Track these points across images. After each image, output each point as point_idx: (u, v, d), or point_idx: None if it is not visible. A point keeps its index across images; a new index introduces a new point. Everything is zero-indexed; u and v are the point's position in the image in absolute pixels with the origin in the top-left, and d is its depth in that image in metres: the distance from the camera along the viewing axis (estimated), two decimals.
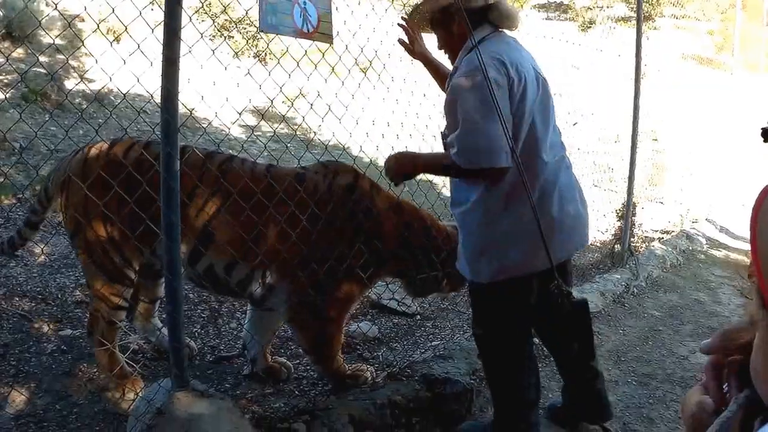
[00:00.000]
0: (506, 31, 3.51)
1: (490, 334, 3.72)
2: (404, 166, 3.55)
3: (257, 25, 3.32)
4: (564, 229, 3.49)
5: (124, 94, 3.38)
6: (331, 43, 3.59)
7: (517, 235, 3.37)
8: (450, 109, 3.33)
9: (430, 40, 3.80)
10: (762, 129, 1.45)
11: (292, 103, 3.63)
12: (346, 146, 5.23)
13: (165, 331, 3.94)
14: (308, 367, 4.52)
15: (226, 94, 4.15)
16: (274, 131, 6.54)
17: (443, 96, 3.56)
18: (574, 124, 7.35)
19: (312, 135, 8.56)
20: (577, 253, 7.50)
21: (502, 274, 3.45)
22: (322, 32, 3.51)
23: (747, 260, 8.79)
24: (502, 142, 3.12)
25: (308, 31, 3.45)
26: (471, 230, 3.54)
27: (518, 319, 3.65)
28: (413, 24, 3.73)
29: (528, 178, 3.19)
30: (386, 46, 4.10)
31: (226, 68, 3.91)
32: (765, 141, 1.31)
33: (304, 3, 3.42)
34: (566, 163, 3.65)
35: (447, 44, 3.55)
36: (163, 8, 2.84)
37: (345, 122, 4.17)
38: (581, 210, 3.65)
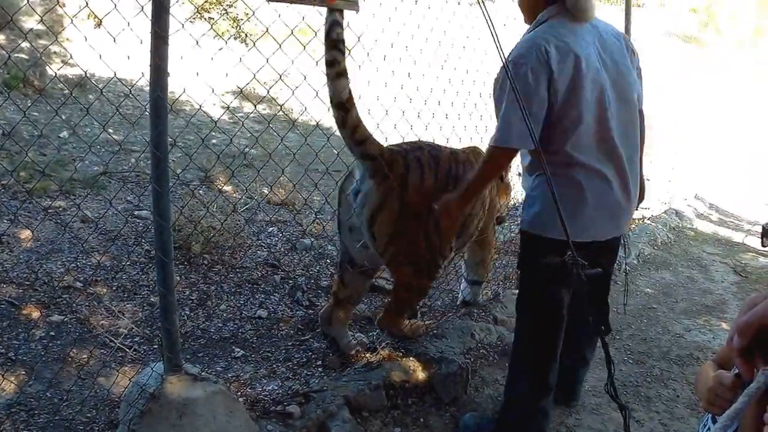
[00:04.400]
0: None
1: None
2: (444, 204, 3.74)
3: (244, 2, 3.21)
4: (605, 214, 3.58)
5: (115, 73, 3.31)
6: (357, 10, 3.44)
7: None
8: (498, 81, 3.47)
9: None
10: None
11: (281, 76, 3.55)
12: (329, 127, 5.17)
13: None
14: (301, 347, 4.49)
15: (207, 75, 4.08)
16: (284, 106, 6.46)
17: (429, 78, 3.84)
18: None
19: (295, 115, 8.51)
20: None
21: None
22: None
23: (737, 237, 8.79)
24: (516, 124, 3.27)
25: None
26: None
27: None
28: None
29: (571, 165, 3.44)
30: (373, 28, 4.08)
31: (226, 43, 3.83)
32: None
33: None
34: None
35: (522, 6, 3.68)
36: None
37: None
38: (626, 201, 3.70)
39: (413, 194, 3.94)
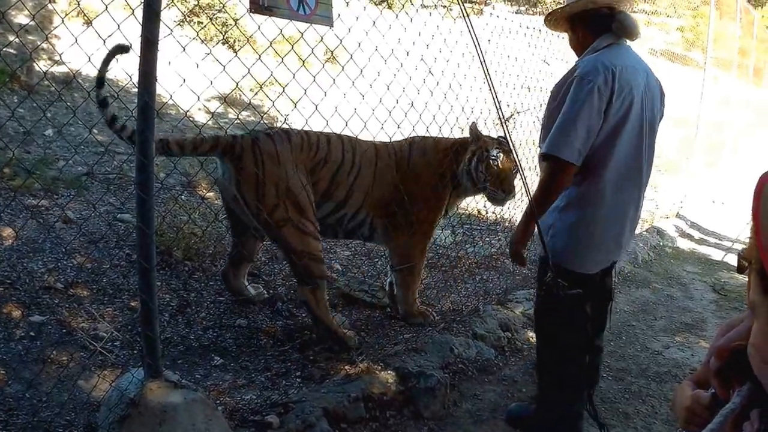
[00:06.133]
0: (627, 42, 3.70)
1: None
2: (516, 248, 3.81)
3: (228, 12, 3.26)
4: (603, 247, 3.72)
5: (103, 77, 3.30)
6: (330, 26, 3.54)
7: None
8: (555, 95, 3.59)
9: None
10: None
11: (261, 87, 3.58)
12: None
13: None
14: (280, 358, 4.49)
15: (193, 80, 4.07)
16: (267, 113, 6.45)
17: (408, 88, 4.31)
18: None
19: (278, 123, 8.50)
20: None
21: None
22: (320, 15, 3.46)
23: (717, 255, 8.85)
24: (577, 141, 3.39)
25: (305, 13, 3.38)
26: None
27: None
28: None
29: (595, 183, 3.55)
30: (353, 36, 4.13)
31: (210, 51, 3.83)
32: None
33: None
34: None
35: (574, 46, 3.83)
36: None
37: (312, 110, 4.15)
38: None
39: (266, 160, 4.53)
